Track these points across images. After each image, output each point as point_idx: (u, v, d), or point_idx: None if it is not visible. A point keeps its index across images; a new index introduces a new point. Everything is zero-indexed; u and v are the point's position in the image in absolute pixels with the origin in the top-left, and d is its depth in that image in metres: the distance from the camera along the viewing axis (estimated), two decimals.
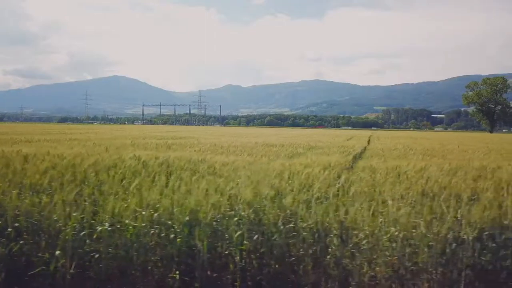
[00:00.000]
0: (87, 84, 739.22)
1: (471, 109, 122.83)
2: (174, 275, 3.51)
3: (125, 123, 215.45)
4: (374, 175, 5.76)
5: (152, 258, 3.65)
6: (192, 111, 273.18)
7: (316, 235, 3.68)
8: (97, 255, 3.60)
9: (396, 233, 3.63)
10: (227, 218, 3.69)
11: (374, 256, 3.62)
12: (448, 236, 3.62)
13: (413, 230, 3.67)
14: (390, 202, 3.95)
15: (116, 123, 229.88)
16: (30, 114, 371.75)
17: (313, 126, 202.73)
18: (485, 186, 4.62)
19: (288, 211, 3.82)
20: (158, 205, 3.78)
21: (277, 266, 3.65)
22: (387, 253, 3.62)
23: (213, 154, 9.12)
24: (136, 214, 3.73)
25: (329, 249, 3.67)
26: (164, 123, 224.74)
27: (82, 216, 3.76)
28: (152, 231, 3.65)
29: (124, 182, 4.71)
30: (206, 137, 24.43)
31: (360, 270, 3.61)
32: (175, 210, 3.73)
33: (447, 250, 3.61)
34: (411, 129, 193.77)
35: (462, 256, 3.64)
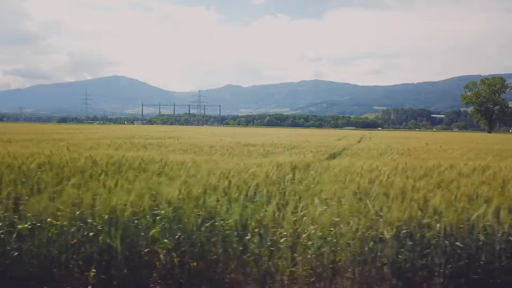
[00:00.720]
0: (87, 84, 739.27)
1: (470, 109, 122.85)
2: (91, 273, 3.53)
3: (124, 123, 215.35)
4: (323, 174, 5.78)
5: (74, 256, 3.67)
6: (192, 111, 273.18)
7: (235, 233, 3.70)
8: (17, 254, 3.62)
9: (313, 231, 3.65)
10: (147, 217, 3.72)
11: (294, 255, 3.64)
12: (367, 234, 3.64)
13: (332, 229, 3.69)
14: (316, 200, 3.97)
15: (116, 123, 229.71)
16: (30, 114, 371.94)
17: (313, 126, 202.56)
18: (421, 185, 4.63)
19: (211, 210, 3.84)
20: (81, 202, 3.80)
21: (196, 264, 3.67)
22: (307, 251, 3.64)
23: (181, 154, 9.15)
24: (59, 213, 3.75)
25: (249, 248, 3.69)
26: (164, 123, 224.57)
27: (6, 214, 3.78)
28: (72, 229, 3.67)
29: (64, 181, 4.72)
30: (193, 137, 24.45)
31: (279, 269, 3.63)
32: (97, 208, 3.75)
33: (366, 248, 3.63)
34: (410, 129, 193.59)
35: (380, 255, 3.66)
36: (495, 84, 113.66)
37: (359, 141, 27.83)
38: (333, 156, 12.27)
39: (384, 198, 4.20)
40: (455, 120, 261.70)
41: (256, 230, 3.68)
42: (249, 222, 3.74)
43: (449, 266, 3.61)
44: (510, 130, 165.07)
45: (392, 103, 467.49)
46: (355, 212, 3.81)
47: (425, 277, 3.66)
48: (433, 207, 3.80)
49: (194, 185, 4.31)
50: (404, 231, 3.67)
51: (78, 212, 3.76)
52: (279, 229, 3.74)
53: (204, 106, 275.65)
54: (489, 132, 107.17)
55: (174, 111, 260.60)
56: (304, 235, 3.68)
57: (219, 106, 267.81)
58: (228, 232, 3.67)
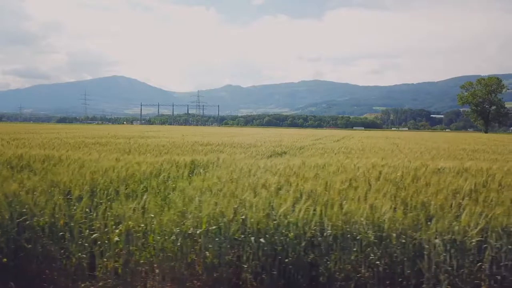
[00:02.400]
0: (86, 84, 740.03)
1: (467, 109, 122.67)
2: None
3: (124, 123, 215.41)
4: (209, 172, 5.80)
5: None
6: (191, 111, 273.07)
7: (49, 230, 3.72)
8: None
9: (122, 227, 3.66)
10: None
11: (104, 250, 3.66)
12: (175, 230, 3.65)
13: (142, 225, 3.70)
14: (145, 196, 3.99)
15: (115, 123, 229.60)
16: (30, 114, 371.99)
17: (312, 126, 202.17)
18: (275, 181, 4.66)
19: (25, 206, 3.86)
20: None
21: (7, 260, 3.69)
22: (118, 246, 3.66)
23: (108, 153, 9.17)
24: None
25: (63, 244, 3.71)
26: (163, 123, 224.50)
27: None
28: None
29: None
30: (164, 136, 24.55)
31: (90, 263, 3.65)
32: None
33: (175, 245, 3.64)
34: (409, 129, 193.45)
35: (190, 251, 3.67)
36: (491, 84, 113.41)
37: (337, 140, 27.90)
38: (280, 155, 12.38)
39: (217, 194, 4.21)
40: (454, 120, 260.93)
41: (66, 227, 3.70)
42: (59, 219, 3.75)
43: (256, 262, 3.62)
44: (510, 130, 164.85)
45: (392, 103, 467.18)
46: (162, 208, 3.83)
47: (235, 273, 3.67)
48: (250, 203, 3.81)
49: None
50: (214, 227, 3.67)
51: None
52: (94, 225, 3.76)
53: (203, 106, 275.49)
54: (486, 132, 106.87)
55: (172, 111, 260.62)
56: (116, 231, 3.69)
57: (218, 106, 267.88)
58: (37, 228, 3.70)
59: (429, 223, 3.71)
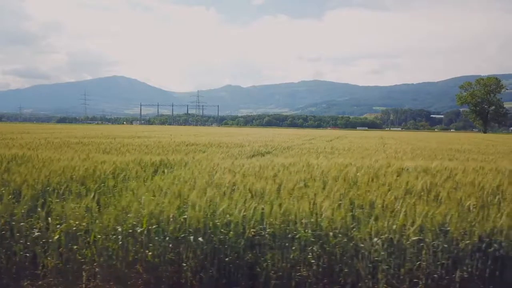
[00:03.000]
0: (86, 84, 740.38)
1: (465, 109, 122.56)
2: None
3: (123, 123, 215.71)
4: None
5: None
6: (191, 112, 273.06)
7: None
8: None
9: (62, 226, 3.70)
10: None
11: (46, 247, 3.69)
12: (118, 229, 3.68)
13: (83, 223, 3.73)
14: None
15: (115, 123, 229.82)
16: (30, 114, 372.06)
17: (311, 126, 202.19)
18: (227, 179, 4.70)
19: None
20: None
21: None
22: (58, 245, 3.70)
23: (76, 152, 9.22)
24: None
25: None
26: (162, 123, 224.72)
27: None
28: None
29: None
30: (155, 136, 24.58)
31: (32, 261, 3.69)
32: None
33: (116, 244, 3.67)
34: (408, 129, 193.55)
35: (132, 250, 3.70)
36: (490, 84, 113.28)
37: (330, 141, 27.92)
38: (262, 155, 12.42)
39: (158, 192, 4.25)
40: (454, 121, 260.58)
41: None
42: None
43: (196, 261, 3.64)
44: (510, 130, 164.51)
45: (392, 104, 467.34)
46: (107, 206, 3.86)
47: (176, 272, 3.70)
48: (193, 202, 3.83)
49: None
50: (155, 226, 3.70)
51: None
52: (36, 224, 3.79)
53: (203, 106, 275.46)
54: (484, 132, 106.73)
55: (172, 111, 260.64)
56: (57, 230, 3.72)
57: (217, 106, 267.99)
58: None
59: (373, 222, 3.72)
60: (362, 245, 3.59)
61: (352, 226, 3.69)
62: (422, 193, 4.66)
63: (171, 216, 3.67)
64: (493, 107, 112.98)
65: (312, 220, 3.72)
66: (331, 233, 3.64)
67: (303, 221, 3.72)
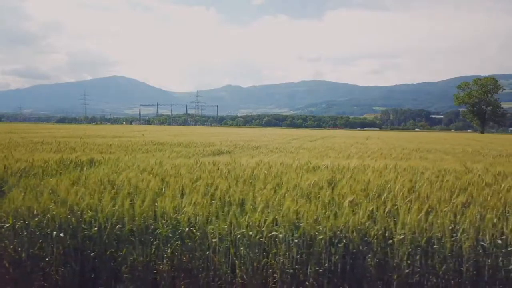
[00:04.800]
0: (86, 84, 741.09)
1: (463, 109, 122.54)
2: None
3: (123, 123, 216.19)
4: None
5: None
6: (190, 112, 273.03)
7: None
8: None
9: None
10: None
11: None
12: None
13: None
14: None
15: (114, 123, 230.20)
16: (30, 114, 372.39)
17: (311, 127, 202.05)
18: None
19: None
20: None
21: None
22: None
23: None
24: None
25: None
26: (162, 123, 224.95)
27: None
28: None
29: None
30: (134, 136, 24.71)
31: None
32: None
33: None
34: (408, 129, 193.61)
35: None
36: (488, 84, 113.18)
37: (314, 140, 28.01)
38: (219, 154, 12.58)
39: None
40: (454, 121, 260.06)
41: None
42: None
43: (59, 256, 3.75)
44: (509, 130, 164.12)
45: (392, 104, 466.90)
46: None
47: (43, 268, 3.80)
48: (63, 199, 3.93)
49: None
50: (21, 221, 3.80)
51: None
52: None
53: (202, 106, 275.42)
54: (482, 132, 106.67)
55: (171, 111, 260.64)
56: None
57: (217, 106, 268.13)
58: None
59: (232, 217, 3.81)
60: (214, 240, 3.69)
61: (210, 221, 3.78)
62: (306, 191, 4.75)
63: (35, 212, 3.77)
64: (491, 107, 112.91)
65: (173, 216, 3.81)
66: (186, 229, 3.73)
67: (165, 217, 3.81)
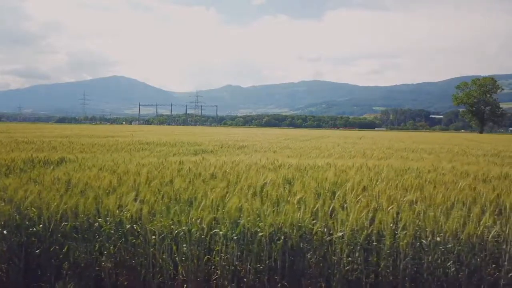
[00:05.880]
0: (86, 84, 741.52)
1: (462, 109, 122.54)
2: None
3: (123, 123, 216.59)
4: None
5: None
6: (191, 112, 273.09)
7: None
8: None
9: None
10: None
11: None
12: None
13: None
14: None
15: (114, 123, 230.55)
16: (30, 114, 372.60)
17: (311, 127, 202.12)
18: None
19: None
20: None
21: None
22: None
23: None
24: None
25: None
26: (161, 123, 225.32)
27: None
28: None
29: None
30: (125, 136, 24.78)
31: None
32: None
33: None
34: (408, 129, 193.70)
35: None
36: (486, 84, 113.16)
37: (307, 140, 28.05)
38: (199, 153, 12.62)
39: None
40: (453, 121, 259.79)
41: None
42: None
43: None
44: (509, 130, 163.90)
45: (392, 104, 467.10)
46: None
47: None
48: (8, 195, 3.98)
49: None
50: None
51: None
52: None
53: (202, 106, 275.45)
54: (481, 132, 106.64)
55: (171, 111, 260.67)
56: None
57: (216, 106, 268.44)
58: None
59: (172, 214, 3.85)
60: (154, 237, 3.73)
61: (151, 219, 3.82)
62: (259, 189, 4.78)
63: None
64: (489, 107, 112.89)
65: (116, 214, 3.85)
66: (128, 226, 3.78)
67: (109, 214, 3.86)
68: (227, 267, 3.73)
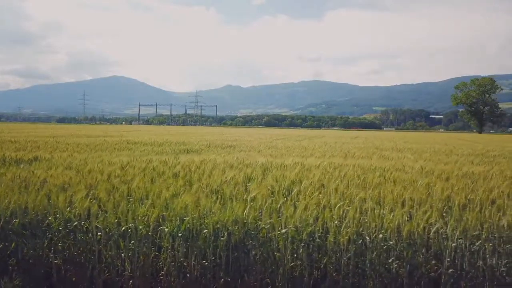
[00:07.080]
0: (86, 84, 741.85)
1: (461, 110, 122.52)
2: None
3: (122, 123, 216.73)
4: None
5: None
6: (191, 112, 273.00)
7: None
8: None
9: None
10: None
11: None
12: None
13: None
14: None
15: (113, 123, 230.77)
16: (29, 114, 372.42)
17: (311, 127, 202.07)
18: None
19: None
20: None
21: None
22: None
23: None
24: None
25: None
26: (161, 123, 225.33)
27: None
28: None
29: None
30: (116, 136, 24.85)
31: None
32: None
33: None
34: (408, 129, 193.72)
35: None
36: (485, 84, 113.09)
37: (301, 140, 28.15)
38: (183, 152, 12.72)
39: None
40: (453, 121, 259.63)
41: None
42: None
43: None
44: (509, 130, 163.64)
45: (392, 104, 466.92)
46: None
47: None
48: None
49: None
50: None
51: None
52: None
53: (201, 106, 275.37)
54: (480, 132, 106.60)
55: (170, 111, 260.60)
56: None
57: (216, 106, 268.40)
58: None
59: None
60: (99, 234, 3.79)
61: (98, 216, 3.89)
62: (216, 187, 4.86)
63: None
64: (488, 107, 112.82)
65: (64, 210, 3.92)
66: (75, 223, 3.84)
67: (58, 212, 3.93)
68: (173, 263, 3.80)
